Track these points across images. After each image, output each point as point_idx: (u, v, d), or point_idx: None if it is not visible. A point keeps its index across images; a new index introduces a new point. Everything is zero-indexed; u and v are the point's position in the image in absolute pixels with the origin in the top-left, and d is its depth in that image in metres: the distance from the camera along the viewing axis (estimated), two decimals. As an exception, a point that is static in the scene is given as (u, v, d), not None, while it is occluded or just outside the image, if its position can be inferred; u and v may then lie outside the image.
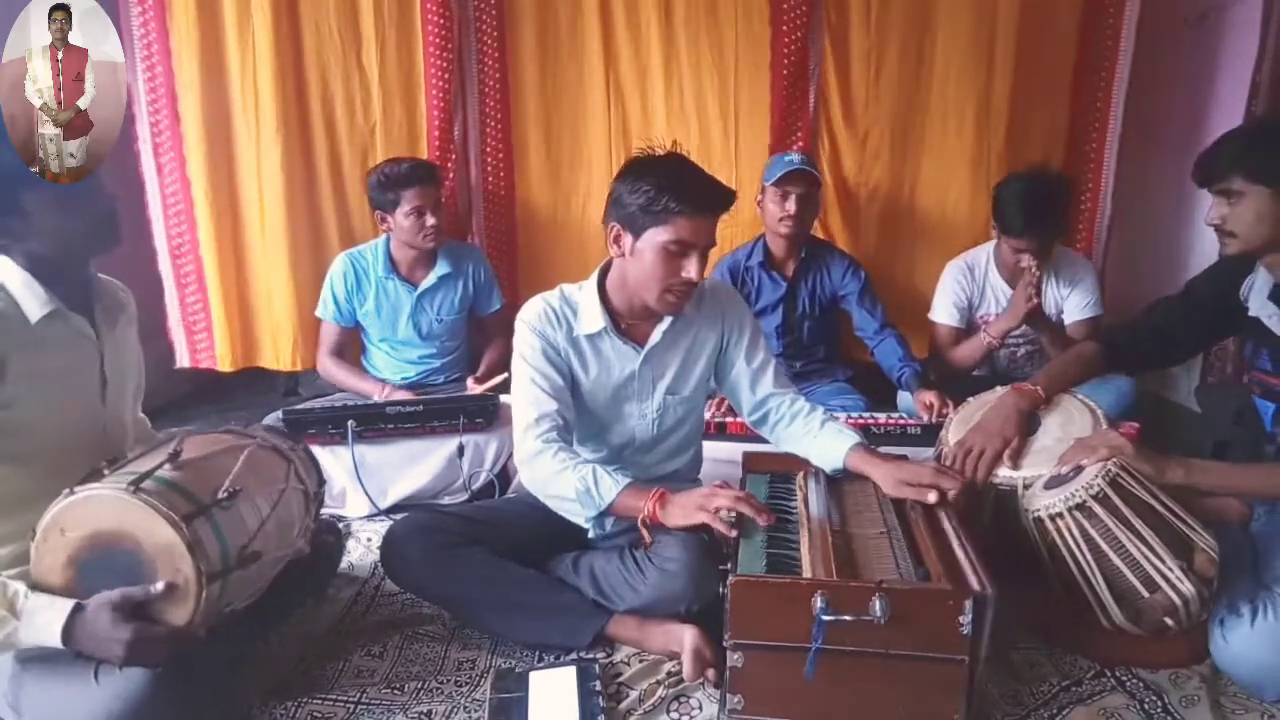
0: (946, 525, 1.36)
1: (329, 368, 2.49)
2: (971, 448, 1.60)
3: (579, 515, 1.41)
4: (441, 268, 2.43)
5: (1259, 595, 1.35)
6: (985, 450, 1.59)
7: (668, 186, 1.42)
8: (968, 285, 2.44)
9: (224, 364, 2.77)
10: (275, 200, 2.63)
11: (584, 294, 1.58)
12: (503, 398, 2.19)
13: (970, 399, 1.82)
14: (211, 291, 2.71)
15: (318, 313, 2.49)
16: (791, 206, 2.36)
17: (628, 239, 1.47)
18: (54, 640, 1.11)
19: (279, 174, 2.60)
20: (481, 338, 2.63)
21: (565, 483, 1.40)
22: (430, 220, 2.32)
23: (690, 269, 1.45)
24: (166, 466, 1.19)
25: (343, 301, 2.44)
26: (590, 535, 1.43)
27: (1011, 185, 2.21)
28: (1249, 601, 1.34)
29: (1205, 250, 2.73)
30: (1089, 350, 1.78)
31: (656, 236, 1.44)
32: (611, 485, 1.38)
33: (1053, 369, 1.76)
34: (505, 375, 2.31)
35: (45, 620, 1.11)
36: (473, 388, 2.38)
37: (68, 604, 1.11)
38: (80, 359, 1.31)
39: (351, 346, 2.56)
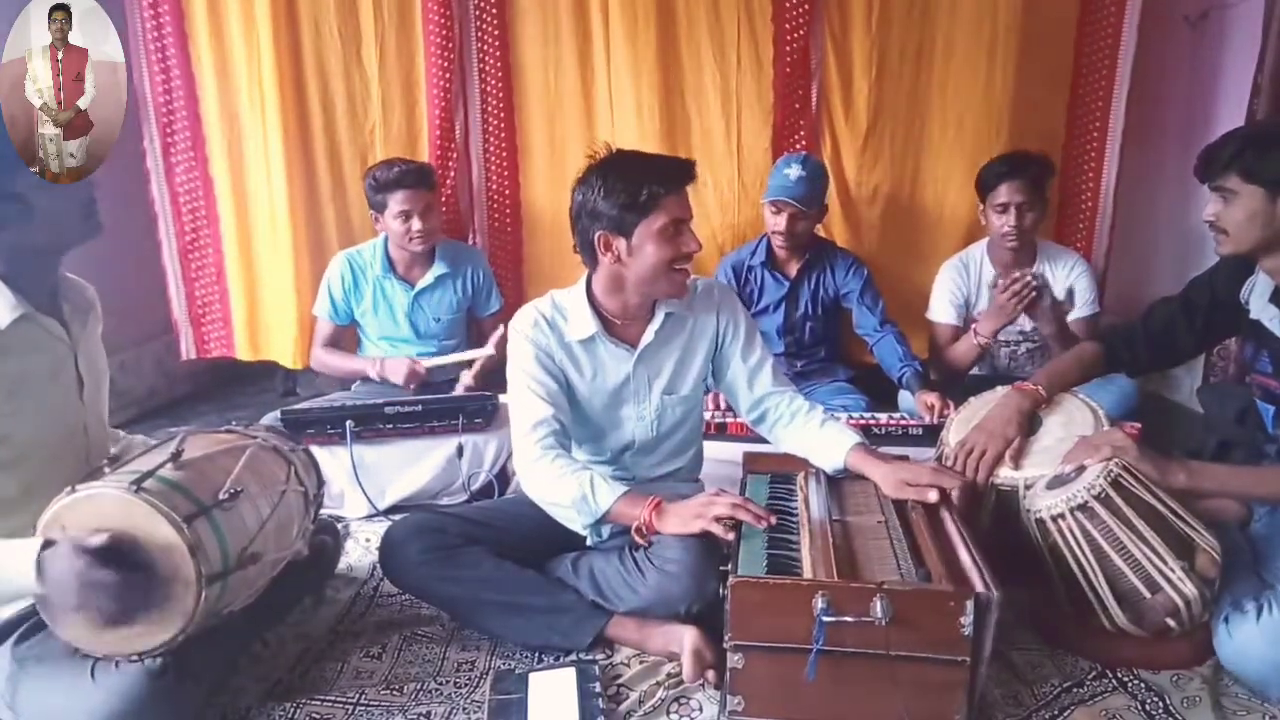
0: (949, 525, 1.36)
1: (321, 357, 2.51)
2: (973, 448, 1.60)
3: (576, 522, 1.42)
4: (439, 268, 2.43)
5: (1263, 593, 1.34)
6: (987, 450, 1.58)
7: (643, 177, 1.44)
8: (963, 283, 2.44)
9: (244, 353, 2.83)
10: (280, 199, 2.66)
11: (573, 299, 1.58)
12: (502, 398, 2.18)
13: (971, 399, 1.82)
14: (233, 283, 2.76)
15: (315, 310, 2.51)
16: (779, 224, 2.38)
17: (620, 242, 1.48)
18: (29, 576, 1.06)
19: (282, 173, 2.62)
20: (480, 338, 2.63)
21: (562, 489, 1.40)
22: (417, 224, 2.32)
23: (690, 242, 1.49)
24: (169, 466, 1.18)
25: (339, 301, 2.46)
26: (589, 543, 1.43)
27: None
28: (1254, 599, 1.34)
29: (1207, 249, 2.70)
30: (1090, 351, 1.78)
31: (651, 226, 1.45)
32: (608, 493, 1.38)
33: (1053, 369, 1.76)
34: (489, 352, 2.33)
35: (16, 562, 1.07)
36: (465, 380, 2.36)
37: (36, 541, 1.07)
38: (54, 361, 1.30)
39: (345, 343, 2.58)
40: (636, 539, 1.39)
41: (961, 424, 1.74)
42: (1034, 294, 2.22)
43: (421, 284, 2.43)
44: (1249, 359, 1.63)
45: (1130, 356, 1.76)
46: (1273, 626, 1.29)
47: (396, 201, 2.30)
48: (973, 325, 2.34)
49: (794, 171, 2.36)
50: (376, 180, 2.32)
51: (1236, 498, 1.52)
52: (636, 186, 1.43)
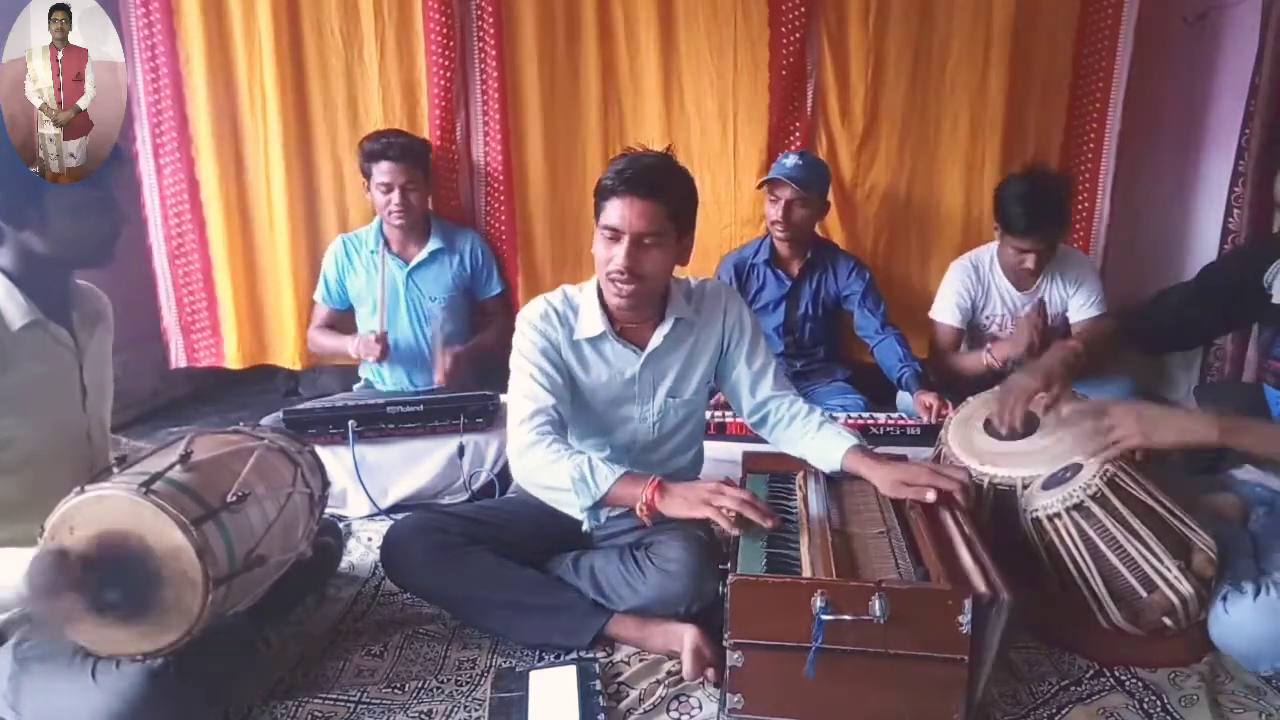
0: (955, 528, 1.35)
1: (314, 337, 2.55)
2: (1023, 384, 1.60)
3: (573, 505, 1.38)
4: (433, 244, 2.45)
5: (1262, 578, 1.36)
6: (1030, 382, 1.59)
7: (611, 170, 1.43)
8: (972, 285, 2.42)
9: (233, 361, 2.79)
10: (279, 200, 2.65)
11: (584, 296, 1.57)
12: (502, 397, 2.19)
13: (970, 398, 1.82)
14: (221, 290, 2.73)
15: (315, 295, 2.55)
16: (776, 212, 2.37)
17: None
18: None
19: (282, 174, 2.62)
20: (484, 319, 2.62)
21: (559, 472, 1.38)
22: (396, 198, 2.33)
23: (616, 259, 1.43)
24: (177, 468, 1.18)
25: (333, 282, 2.49)
26: (585, 528, 1.40)
27: (1013, 186, 2.17)
28: (1253, 581, 1.36)
29: (1203, 249, 2.73)
30: (1108, 325, 1.78)
31: (600, 221, 1.45)
32: (607, 474, 1.36)
33: (1088, 337, 1.75)
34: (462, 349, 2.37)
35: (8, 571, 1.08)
36: (440, 368, 2.35)
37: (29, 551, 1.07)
38: (60, 368, 1.30)
39: (343, 329, 2.58)
40: (643, 517, 1.36)
41: (960, 424, 1.75)
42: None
43: (417, 259, 2.43)
44: (1264, 344, 1.63)
45: (1143, 332, 1.74)
46: (1269, 604, 1.32)
47: (380, 173, 2.33)
48: (988, 347, 2.29)
49: (791, 159, 2.37)
50: (364, 149, 2.36)
51: (1273, 456, 1.51)
52: (602, 178, 1.43)
